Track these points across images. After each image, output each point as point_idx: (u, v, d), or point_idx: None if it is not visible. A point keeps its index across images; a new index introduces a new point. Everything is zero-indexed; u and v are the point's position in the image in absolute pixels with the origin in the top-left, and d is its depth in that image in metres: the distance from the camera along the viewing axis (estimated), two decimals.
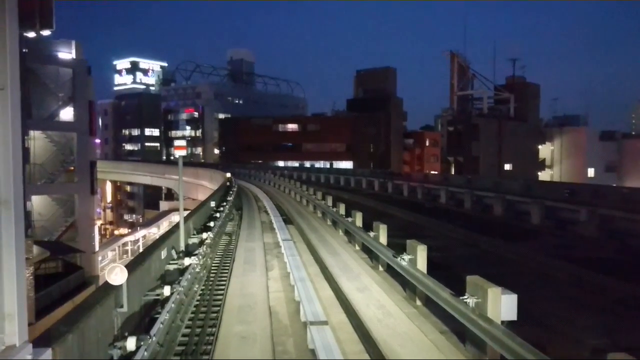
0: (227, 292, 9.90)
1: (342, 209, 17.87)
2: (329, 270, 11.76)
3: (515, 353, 5.52)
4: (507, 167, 77.99)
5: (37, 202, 31.78)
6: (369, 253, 13.31)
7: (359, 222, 15.22)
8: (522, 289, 6.95)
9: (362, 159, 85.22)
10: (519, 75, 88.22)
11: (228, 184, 35.04)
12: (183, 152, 10.79)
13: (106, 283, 5.42)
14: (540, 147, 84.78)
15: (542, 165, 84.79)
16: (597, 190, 25.92)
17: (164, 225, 51.85)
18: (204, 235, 12.30)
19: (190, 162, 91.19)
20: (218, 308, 8.90)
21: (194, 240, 12.02)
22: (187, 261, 9.22)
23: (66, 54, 33.45)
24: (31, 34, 33.03)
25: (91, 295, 5.66)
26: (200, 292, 9.75)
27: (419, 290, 9.22)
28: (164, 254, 9.16)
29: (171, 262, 9.39)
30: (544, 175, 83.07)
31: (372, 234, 12.66)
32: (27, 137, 30.22)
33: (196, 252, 10.20)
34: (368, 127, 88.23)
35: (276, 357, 6.97)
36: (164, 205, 66.75)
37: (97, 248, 35.59)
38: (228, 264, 12.40)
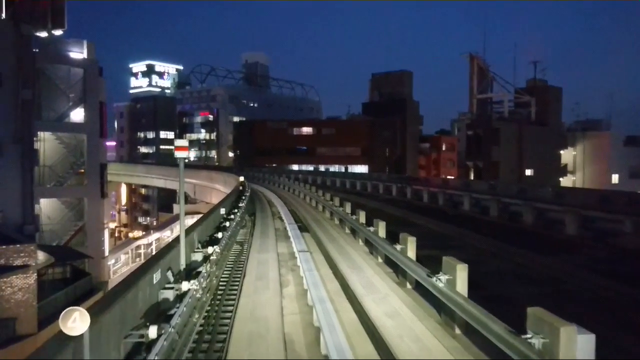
0: (236, 315, 8.61)
1: (362, 217, 16.56)
2: (351, 288, 10.45)
3: None
4: (528, 172, 75.76)
5: (46, 205, 30.99)
6: (394, 267, 11.96)
7: (382, 232, 13.87)
8: (573, 313, 5.64)
9: (378, 163, 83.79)
10: (540, 78, 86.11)
11: (241, 188, 33.90)
12: (184, 154, 9.16)
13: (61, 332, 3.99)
14: (562, 152, 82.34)
15: (564, 170, 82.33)
16: (633, 198, 24.14)
17: (177, 229, 50.99)
18: (210, 249, 10.80)
19: (204, 165, 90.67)
20: (224, 336, 7.62)
21: (197, 256, 10.52)
22: (185, 286, 7.74)
23: (77, 53, 32.69)
24: (43, 34, 32.49)
25: (39, 350, 4.24)
26: (205, 314, 8.48)
27: (458, 316, 7.89)
28: (157, 277, 7.65)
29: (167, 286, 7.94)
30: (566, 181, 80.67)
31: (398, 247, 11.31)
32: (37, 138, 29.51)
33: (199, 269, 8.83)
34: (384, 131, 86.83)
35: None
36: (177, 208, 66.10)
37: (106, 253, 34.70)
38: (238, 280, 11.12)
